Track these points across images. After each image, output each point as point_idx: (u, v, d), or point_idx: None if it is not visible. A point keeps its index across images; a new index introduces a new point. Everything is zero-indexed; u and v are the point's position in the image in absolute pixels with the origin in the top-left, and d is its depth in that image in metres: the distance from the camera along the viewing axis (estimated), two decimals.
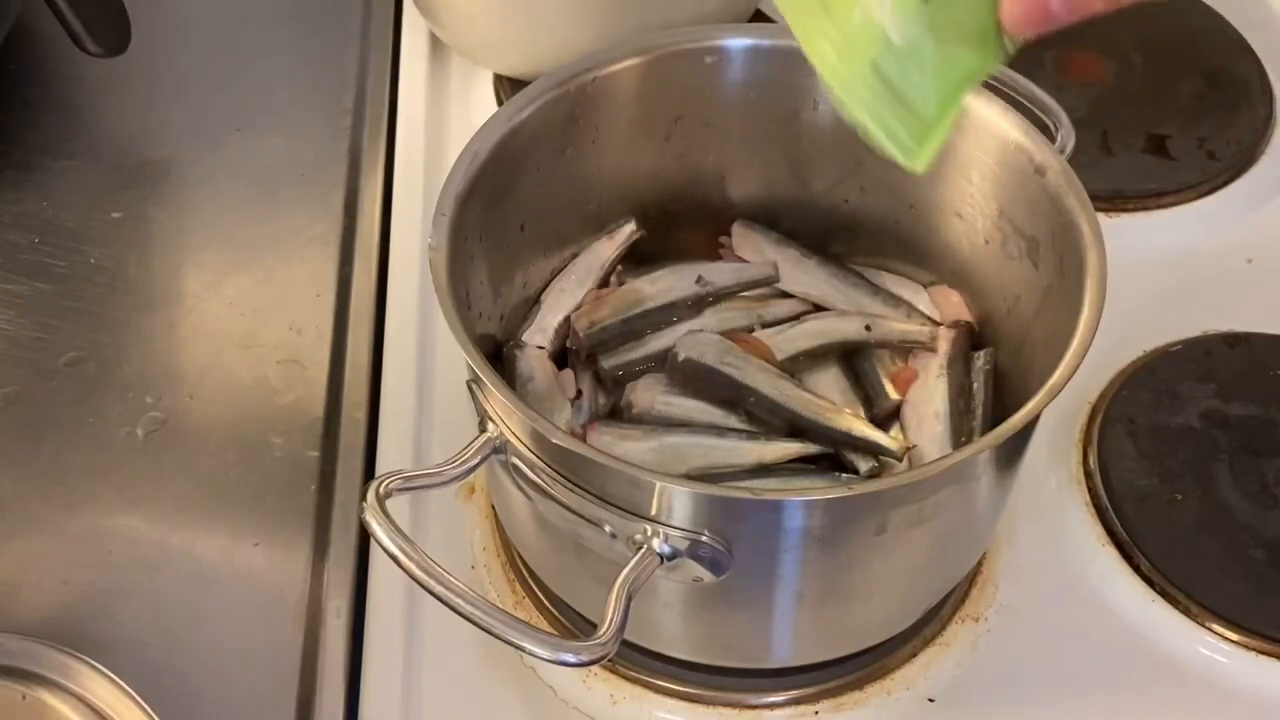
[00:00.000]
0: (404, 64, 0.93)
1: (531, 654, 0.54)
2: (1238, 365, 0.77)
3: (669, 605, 0.60)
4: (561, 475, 0.56)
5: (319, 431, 0.75)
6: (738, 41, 0.69)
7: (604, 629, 0.52)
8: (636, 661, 0.65)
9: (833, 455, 0.67)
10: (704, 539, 0.54)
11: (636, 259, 0.73)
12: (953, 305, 0.71)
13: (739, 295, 0.72)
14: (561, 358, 0.70)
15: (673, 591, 0.59)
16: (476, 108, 0.91)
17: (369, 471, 0.73)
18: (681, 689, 0.65)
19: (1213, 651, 0.67)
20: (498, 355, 0.68)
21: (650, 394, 0.68)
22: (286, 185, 0.87)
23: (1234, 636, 0.67)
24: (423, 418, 0.75)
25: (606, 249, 0.72)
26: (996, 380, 0.68)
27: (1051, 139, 0.65)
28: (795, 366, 0.70)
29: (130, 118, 0.92)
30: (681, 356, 0.68)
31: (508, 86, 0.90)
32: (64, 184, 0.87)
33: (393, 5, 0.98)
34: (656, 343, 0.70)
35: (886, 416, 0.69)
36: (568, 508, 0.56)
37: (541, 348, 0.69)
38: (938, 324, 0.71)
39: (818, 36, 0.50)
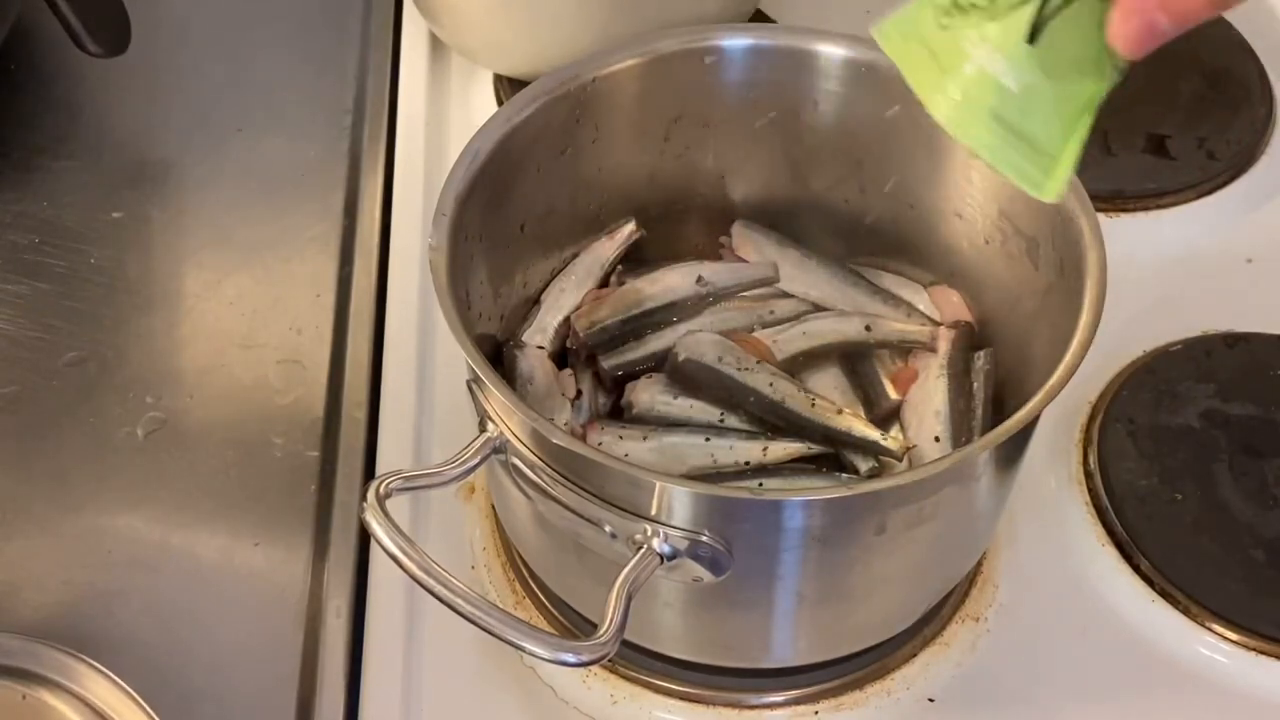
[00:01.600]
0: (404, 64, 0.93)
1: (531, 654, 0.54)
2: (1238, 365, 0.77)
3: (669, 605, 0.60)
4: (561, 475, 0.56)
5: (319, 431, 0.75)
6: (738, 41, 0.69)
7: (604, 629, 0.52)
8: (636, 661, 0.65)
9: (833, 455, 0.67)
10: (704, 539, 0.54)
11: (636, 259, 0.73)
12: (953, 305, 0.71)
13: (739, 295, 0.72)
14: (561, 358, 0.70)
15: (673, 591, 0.59)
16: (476, 108, 0.91)
17: (369, 471, 0.73)
18: (681, 689, 0.65)
19: (1212, 651, 0.67)
20: (498, 355, 0.68)
21: (650, 394, 0.68)
22: (286, 185, 0.87)
23: (1234, 636, 0.67)
24: (423, 418, 0.75)
25: (606, 249, 0.72)
26: (996, 380, 0.68)
27: None
28: (795, 366, 0.70)
29: (130, 118, 0.92)
30: (681, 356, 0.68)
31: (508, 86, 0.90)
32: (64, 184, 0.87)
33: (393, 5, 0.98)
34: (656, 343, 0.70)
35: (886, 416, 0.69)
36: (568, 508, 0.56)
37: (541, 348, 0.69)
38: (938, 324, 0.71)
39: (932, 89, 0.51)
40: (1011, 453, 0.61)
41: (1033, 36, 0.49)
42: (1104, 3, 0.49)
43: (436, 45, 0.94)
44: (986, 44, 0.50)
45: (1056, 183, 0.51)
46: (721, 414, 0.67)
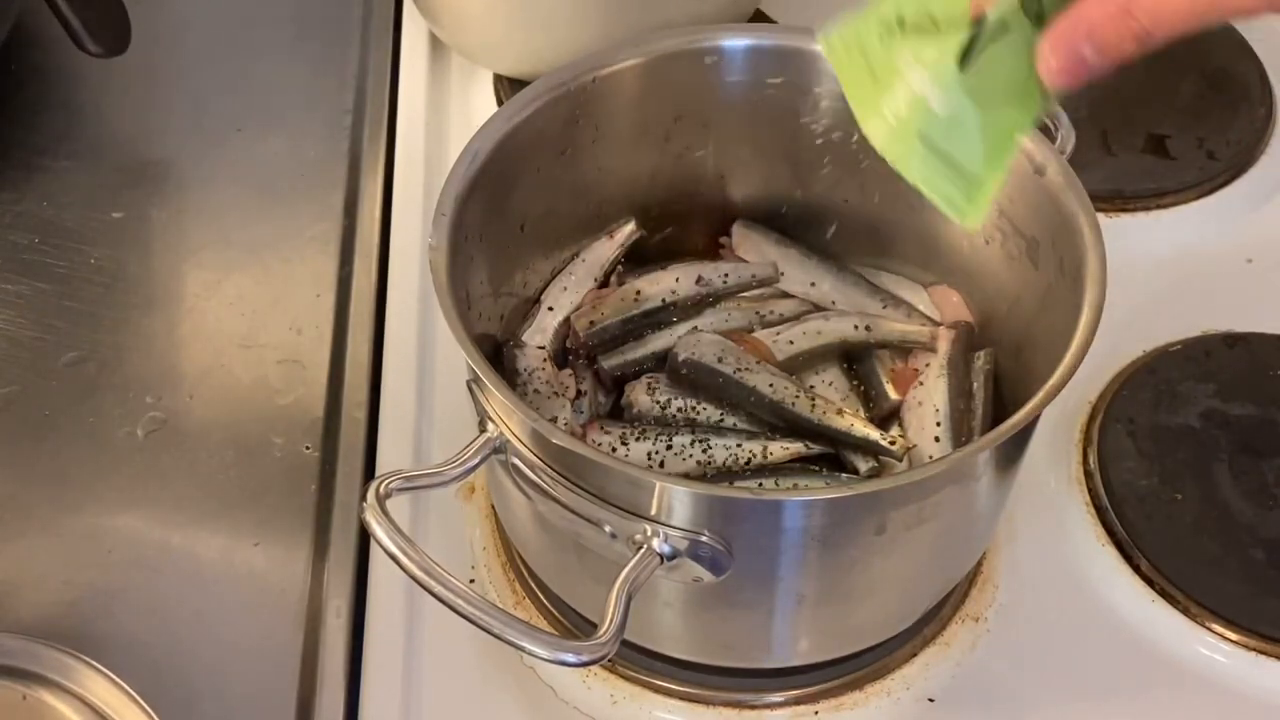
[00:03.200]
0: (404, 64, 0.93)
1: (531, 654, 0.54)
2: (1238, 365, 0.77)
3: (669, 605, 0.60)
4: (561, 475, 0.56)
5: (319, 431, 0.75)
6: (738, 41, 0.69)
7: (604, 629, 0.52)
8: (636, 661, 0.65)
9: (833, 455, 0.67)
10: (704, 539, 0.54)
11: (636, 259, 0.73)
12: (953, 305, 0.71)
13: (739, 295, 0.72)
14: (561, 358, 0.70)
15: (673, 591, 0.59)
16: (476, 108, 0.91)
17: (369, 471, 0.73)
18: (681, 689, 0.65)
19: (1212, 651, 0.67)
20: (498, 355, 0.68)
21: (650, 394, 0.68)
22: (286, 185, 0.87)
23: (1233, 636, 0.67)
24: (423, 418, 0.75)
25: (606, 249, 0.72)
26: (996, 380, 0.68)
27: (1051, 139, 0.65)
28: (795, 366, 0.70)
29: (130, 118, 0.92)
30: (681, 356, 0.68)
31: (508, 86, 0.90)
32: (64, 184, 0.87)
33: (393, 5, 0.98)
34: (656, 343, 0.70)
35: (886, 416, 0.69)
36: (568, 508, 0.56)
37: (541, 348, 0.69)
38: (938, 324, 0.71)
39: (868, 108, 0.52)
40: (1011, 453, 0.61)
41: (967, 62, 0.50)
42: (1038, 34, 0.49)
43: (436, 45, 0.94)
44: (920, 66, 0.50)
45: (977, 208, 0.52)
46: (721, 414, 0.67)
